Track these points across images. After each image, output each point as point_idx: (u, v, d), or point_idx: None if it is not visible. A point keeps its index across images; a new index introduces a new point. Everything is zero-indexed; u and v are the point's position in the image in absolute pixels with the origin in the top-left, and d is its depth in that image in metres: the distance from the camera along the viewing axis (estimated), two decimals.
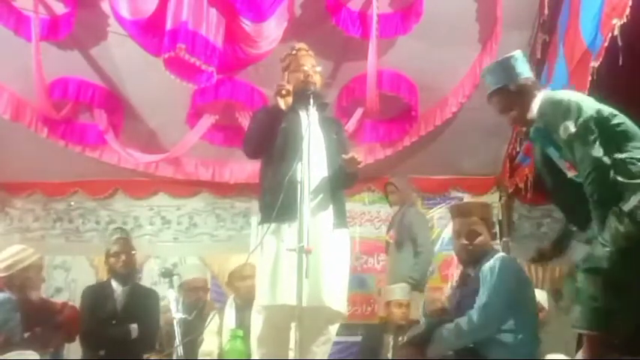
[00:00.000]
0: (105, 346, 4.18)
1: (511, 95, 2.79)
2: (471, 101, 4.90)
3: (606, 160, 2.43)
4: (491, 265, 3.06)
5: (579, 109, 2.51)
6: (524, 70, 2.84)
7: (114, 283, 4.37)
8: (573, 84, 3.42)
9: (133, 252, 4.46)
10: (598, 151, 2.44)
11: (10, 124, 5.05)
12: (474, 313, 2.96)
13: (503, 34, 4.30)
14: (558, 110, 2.58)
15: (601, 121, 2.51)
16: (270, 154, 3.22)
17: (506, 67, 2.83)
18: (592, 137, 2.46)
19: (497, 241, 3.42)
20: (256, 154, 3.32)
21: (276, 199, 2.90)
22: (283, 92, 3.15)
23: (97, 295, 4.39)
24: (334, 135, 3.26)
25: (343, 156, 3.02)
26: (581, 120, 2.48)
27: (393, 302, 4.69)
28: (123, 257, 4.34)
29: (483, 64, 4.56)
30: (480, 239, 3.20)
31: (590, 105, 2.56)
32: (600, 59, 2.94)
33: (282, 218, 2.92)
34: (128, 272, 4.39)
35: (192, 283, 4.46)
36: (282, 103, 3.14)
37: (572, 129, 2.49)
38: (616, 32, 2.72)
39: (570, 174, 2.69)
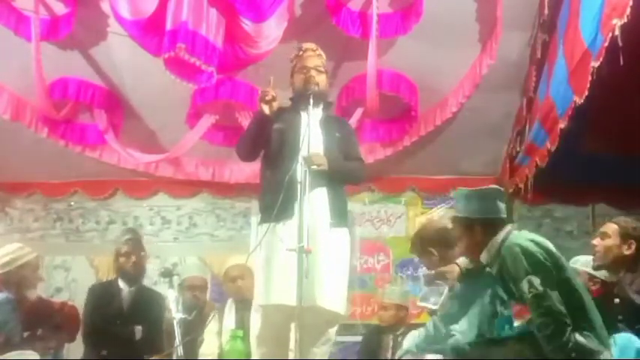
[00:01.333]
0: (108, 345, 4.18)
1: (476, 230, 2.78)
2: (470, 101, 4.91)
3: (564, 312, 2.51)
4: None
5: (542, 264, 2.56)
6: (502, 209, 2.82)
7: (121, 283, 4.37)
8: (573, 84, 3.43)
9: (143, 253, 4.46)
10: (559, 306, 2.50)
11: (10, 124, 5.05)
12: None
13: (504, 34, 4.30)
14: (520, 265, 2.58)
15: (559, 271, 2.59)
16: (269, 155, 3.23)
17: (487, 199, 2.80)
18: (554, 294, 2.51)
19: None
20: (247, 157, 3.38)
21: (275, 200, 2.91)
22: (267, 98, 3.14)
23: (104, 293, 4.38)
24: (337, 134, 3.26)
25: (304, 154, 2.95)
26: (545, 277, 2.53)
27: (381, 303, 4.72)
28: (133, 258, 4.35)
29: (483, 64, 4.58)
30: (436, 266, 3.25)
31: (549, 257, 2.60)
32: (600, 59, 2.94)
33: (278, 217, 2.92)
34: (137, 273, 4.39)
35: (190, 281, 4.46)
36: (266, 109, 3.14)
37: (539, 287, 2.51)
38: (616, 32, 2.72)
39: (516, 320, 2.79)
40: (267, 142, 3.23)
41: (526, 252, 2.59)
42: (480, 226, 2.77)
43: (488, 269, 2.80)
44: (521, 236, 2.72)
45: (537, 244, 2.65)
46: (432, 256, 3.23)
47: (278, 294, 2.92)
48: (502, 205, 2.84)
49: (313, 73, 3.24)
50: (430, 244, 3.25)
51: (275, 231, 3.00)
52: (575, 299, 2.57)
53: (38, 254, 3.99)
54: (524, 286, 2.54)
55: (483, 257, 2.78)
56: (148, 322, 4.25)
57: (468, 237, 2.83)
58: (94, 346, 4.25)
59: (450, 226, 3.13)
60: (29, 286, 3.81)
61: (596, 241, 3.31)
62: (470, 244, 2.84)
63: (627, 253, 3.21)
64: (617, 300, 3.18)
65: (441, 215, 5.70)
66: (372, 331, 5.04)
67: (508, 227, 2.80)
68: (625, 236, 3.23)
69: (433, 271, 3.06)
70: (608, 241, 3.26)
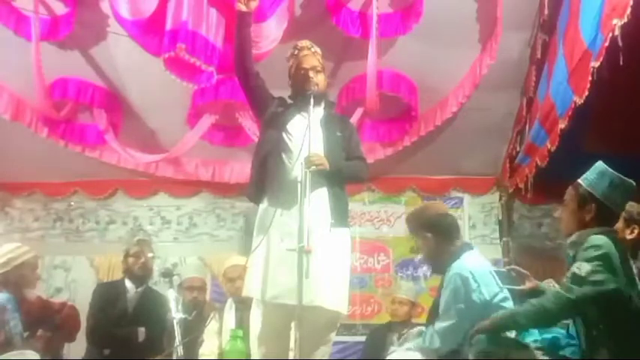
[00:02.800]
0: (110, 345, 4.18)
1: (590, 208, 2.64)
2: (471, 101, 4.90)
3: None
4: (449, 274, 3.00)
5: (607, 266, 2.44)
6: (623, 205, 2.73)
7: (128, 284, 4.37)
8: (573, 84, 3.43)
9: (152, 255, 4.47)
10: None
11: (10, 124, 5.05)
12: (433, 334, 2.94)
13: (504, 34, 4.30)
14: (589, 252, 2.49)
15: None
16: (264, 142, 3.24)
17: (620, 188, 2.65)
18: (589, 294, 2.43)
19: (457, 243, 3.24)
20: (237, 66, 3.28)
21: (255, 180, 3.08)
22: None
23: (110, 293, 4.39)
24: (338, 133, 3.25)
25: (304, 155, 2.94)
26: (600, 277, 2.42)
27: (396, 298, 4.70)
28: (142, 259, 4.36)
29: (483, 64, 4.58)
30: (424, 253, 3.23)
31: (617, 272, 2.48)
32: (600, 59, 2.94)
33: (270, 201, 3.00)
34: (144, 274, 4.40)
35: (189, 282, 4.46)
36: (242, 7, 3.15)
37: (583, 272, 2.43)
38: (616, 32, 2.72)
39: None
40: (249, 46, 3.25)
41: (601, 248, 2.48)
42: (596, 207, 2.63)
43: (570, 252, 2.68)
44: (596, 238, 2.57)
45: (620, 253, 2.53)
46: (426, 239, 3.18)
47: (274, 293, 2.92)
48: (625, 202, 2.74)
49: (311, 74, 3.22)
50: (427, 228, 3.17)
51: (274, 229, 2.99)
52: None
53: (36, 253, 3.99)
54: (573, 268, 2.47)
55: (575, 235, 2.67)
56: (151, 325, 4.25)
57: (576, 209, 2.68)
58: (97, 345, 4.25)
59: (447, 212, 3.05)
60: (28, 285, 3.81)
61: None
62: (573, 216, 2.70)
63: (630, 237, 3.15)
64: None
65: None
66: (378, 329, 5.04)
67: (612, 230, 2.66)
68: (629, 221, 3.17)
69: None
70: None
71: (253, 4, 3.16)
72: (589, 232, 2.62)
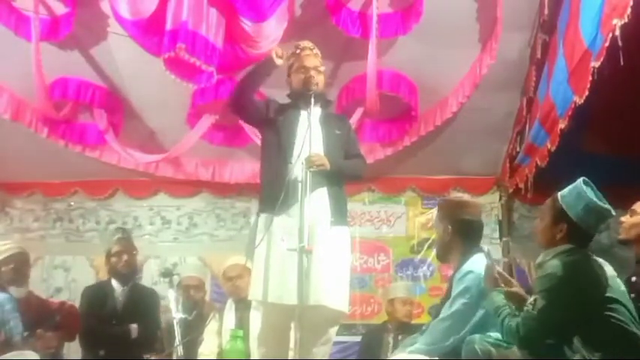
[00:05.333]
0: (105, 345, 4.19)
1: (561, 227, 2.58)
2: (471, 101, 4.90)
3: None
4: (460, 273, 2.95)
5: (562, 297, 2.42)
6: (597, 228, 2.66)
7: (114, 283, 4.38)
8: (573, 84, 3.43)
9: (135, 252, 4.47)
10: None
11: (10, 124, 5.05)
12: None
13: (503, 34, 4.30)
14: (543, 280, 2.49)
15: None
16: (268, 148, 3.24)
17: (594, 212, 2.55)
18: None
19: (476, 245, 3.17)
20: (237, 98, 3.33)
21: (269, 192, 2.94)
22: (279, 54, 3.27)
23: (97, 294, 4.39)
24: (337, 131, 3.26)
25: (305, 155, 2.95)
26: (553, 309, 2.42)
27: (397, 300, 4.69)
28: (125, 257, 4.35)
29: (483, 64, 4.58)
30: (437, 239, 3.18)
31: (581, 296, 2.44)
32: (601, 59, 2.94)
33: (279, 211, 2.94)
34: (130, 272, 4.40)
35: (185, 281, 4.46)
36: (277, 60, 3.24)
37: (534, 309, 2.44)
38: (616, 32, 2.72)
39: None
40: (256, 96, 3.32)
41: (560, 274, 2.42)
42: (568, 227, 2.57)
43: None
44: (581, 262, 2.50)
45: (584, 281, 2.44)
46: (446, 231, 3.10)
47: (278, 294, 2.92)
48: (600, 226, 2.67)
49: (313, 73, 3.24)
50: (452, 223, 3.06)
51: (275, 230, 3.00)
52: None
53: (24, 251, 3.97)
54: (533, 299, 2.48)
55: (541, 256, 2.65)
56: (143, 320, 4.26)
57: (550, 225, 2.63)
58: (90, 347, 4.26)
59: (479, 217, 3.04)
60: (9, 282, 3.76)
61: (624, 218, 3.23)
62: (546, 231, 2.64)
63: None
64: (633, 278, 3.09)
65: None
66: (373, 330, 5.04)
67: (585, 252, 2.58)
68: None
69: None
70: (636, 218, 3.17)
71: (280, 63, 3.27)
72: (553, 253, 2.59)
